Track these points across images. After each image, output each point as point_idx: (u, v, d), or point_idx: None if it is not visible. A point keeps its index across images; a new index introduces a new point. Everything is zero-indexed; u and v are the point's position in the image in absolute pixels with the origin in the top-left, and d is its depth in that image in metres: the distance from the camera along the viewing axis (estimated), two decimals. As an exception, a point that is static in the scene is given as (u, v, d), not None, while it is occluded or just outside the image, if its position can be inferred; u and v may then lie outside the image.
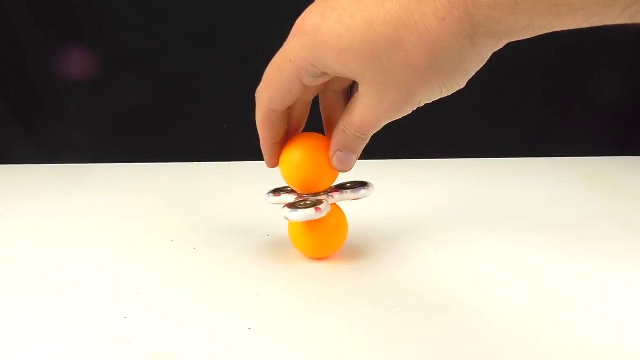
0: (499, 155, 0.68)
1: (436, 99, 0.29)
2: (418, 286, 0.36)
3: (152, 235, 0.45)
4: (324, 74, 0.30)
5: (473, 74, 0.28)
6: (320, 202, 0.35)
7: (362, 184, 0.38)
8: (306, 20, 0.29)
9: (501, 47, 0.26)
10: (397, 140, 0.72)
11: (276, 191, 0.40)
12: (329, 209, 0.35)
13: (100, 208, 0.52)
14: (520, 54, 0.73)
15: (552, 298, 0.34)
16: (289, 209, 0.35)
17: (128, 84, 0.71)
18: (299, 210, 0.34)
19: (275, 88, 0.32)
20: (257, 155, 0.70)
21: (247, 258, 0.40)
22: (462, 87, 0.28)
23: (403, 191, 0.57)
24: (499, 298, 0.34)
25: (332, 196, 0.37)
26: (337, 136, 0.33)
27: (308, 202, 0.35)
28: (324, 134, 0.37)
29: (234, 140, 0.73)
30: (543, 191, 0.57)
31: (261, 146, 0.36)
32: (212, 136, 0.73)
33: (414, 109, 0.29)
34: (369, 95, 0.29)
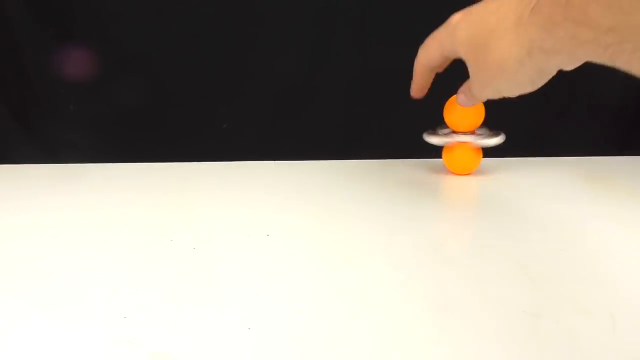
0: (499, 155, 0.68)
1: (507, 95, 0.40)
2: (417, 286, 0.36)
3: (152, 235, 0.45)
4: (454, 52, 0.44)
5: (532, 82, 0.37)
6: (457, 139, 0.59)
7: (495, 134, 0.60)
8: (455, 17, 0.43)
9: (552, 65, 0.36)
10: (398, 140, 0.72)
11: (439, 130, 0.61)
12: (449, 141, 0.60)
13: (100, 208, 0.52)
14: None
15: (552, 298, 0.34)
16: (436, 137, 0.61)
17: (128, 84, 0.71)
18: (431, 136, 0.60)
19: (426, 52, 0.48)
20: (257, 156, 0.70)
21: (247, 258, 0.40)
22: (526, 91, 0.39)
23: (402, 191, 0.57)
24: (499, 298, 0.34)
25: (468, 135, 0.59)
26: (463, 86, 0.50)
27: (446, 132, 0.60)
28: None
29: (234, 140, 0.73)
30: (543, 191, 0.57)
31: (413, 82, 0.52)
32: (212, 136, 0.73)
33: (496, 97, 0.42)
34: (471, 74, 0.43)
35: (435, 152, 0.69)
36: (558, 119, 0.75)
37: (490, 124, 0.74)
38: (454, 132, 0.60)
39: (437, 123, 0.60)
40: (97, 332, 0.30)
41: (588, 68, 0.76)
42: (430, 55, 0.48)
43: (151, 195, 0.56)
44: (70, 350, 0.29)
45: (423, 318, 0.32)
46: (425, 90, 0.53)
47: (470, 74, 0.43)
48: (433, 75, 0.52)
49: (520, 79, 0.37)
